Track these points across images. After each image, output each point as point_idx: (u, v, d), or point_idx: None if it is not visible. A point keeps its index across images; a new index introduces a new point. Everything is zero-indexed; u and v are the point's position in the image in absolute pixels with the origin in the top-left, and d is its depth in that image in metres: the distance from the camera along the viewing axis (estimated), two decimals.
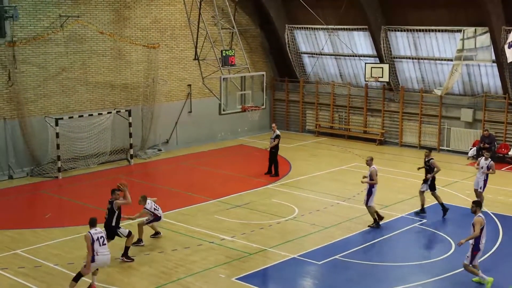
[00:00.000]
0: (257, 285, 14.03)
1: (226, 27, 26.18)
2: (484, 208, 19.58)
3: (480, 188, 19.24)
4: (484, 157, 19.34)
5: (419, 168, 19.65)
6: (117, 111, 25.77)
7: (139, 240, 16.33)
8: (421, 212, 18.87)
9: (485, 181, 19.22)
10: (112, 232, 15.07)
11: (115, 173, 24.32)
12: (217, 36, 25.48)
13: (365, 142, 29.58)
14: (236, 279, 14.33)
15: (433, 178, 18.98)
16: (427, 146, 23.07)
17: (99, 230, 13.53)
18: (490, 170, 19.06)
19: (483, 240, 13.82)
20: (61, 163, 23.64)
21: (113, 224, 15.11)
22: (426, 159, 19.05)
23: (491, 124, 26.58)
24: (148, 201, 16.31)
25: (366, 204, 17.84)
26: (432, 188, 19.00)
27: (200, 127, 29.60)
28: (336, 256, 15.70)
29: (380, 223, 17.79)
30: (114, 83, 26.30)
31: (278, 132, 24.04)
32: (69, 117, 24.24)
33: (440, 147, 28.07)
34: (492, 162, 19.19)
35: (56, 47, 24.24)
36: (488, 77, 26.83)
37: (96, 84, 25.68)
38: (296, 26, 31.41)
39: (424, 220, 18.38)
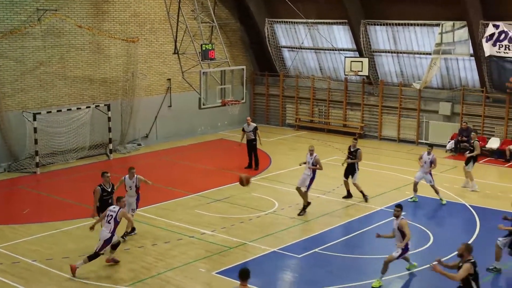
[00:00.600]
0: (237, 279, 13.99)
1: (205, 21, 26.10)
2: (461, 200, 19.82)
3: (431, 182, 19.62)
4: (427, 152, 19.59)
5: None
6: (96, 106, 25.59)
7: (133, 229, 16.53)
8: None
9: (431, 174, 19.66)
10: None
11: (94, 168, 24.12)
12: (197, 30, 25.39)
13: (344, 136, 29.68)
14: (216, 273, 14.34)
15: (351, 165, 19.57)
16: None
17: (115, 210, 14.33)
18: (432, 165, 19.52)
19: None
20: (39, 158, 23.44)
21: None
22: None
23: (469, 117, 26.81)
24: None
25: (307, 190, 18.33)
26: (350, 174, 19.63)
27: (180, 122, 29.50)
28: (316, 250, 15.76)
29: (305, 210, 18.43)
30: (93, 77, 26.10)
31: (254, 124, 24.09)
32: (47, 112, 24.02)
33: (419, 141, 28.26)
34: (434, 156, 19.57)
35: (33, 41, 23.98)
36: (466, 70, 27.04)
37: (74, 78, 25.46)
38: (276, 20, 31.39)
39: (403, 213, 18.45)
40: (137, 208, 16.79)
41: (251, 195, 20.40)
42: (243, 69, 25.55)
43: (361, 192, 19.62)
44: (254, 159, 23.88)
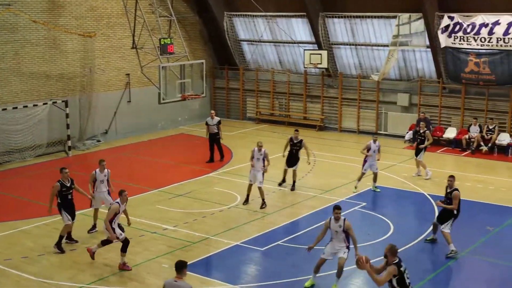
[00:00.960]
0: (201, 274, 14.00)
1: (164, 15, 25.88)
2: (419, 190, 20.12)
3: (377, 169, 20.12)
4: (373, 140, 20.01)
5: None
6: (53, 102, 25.18)
7: (94, 227, 16.52)
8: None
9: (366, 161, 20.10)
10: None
11: (52, 165, 23.74)
12: (155, 24, 25.13)
13: (305, 128, 29.80)
14: None
15: (295, 155, 20.14)
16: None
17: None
18: (380, 153, 20.08)
19: None
20: None
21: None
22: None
23: (426, 108, 27.22)
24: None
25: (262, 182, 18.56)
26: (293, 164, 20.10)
27: (139, 117, 29.24)
28: (279, 242, 15.81)
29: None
30: (49, 73, 25.65)
31: (218, 118, 24.18)
32: (3, 109, 23.54)
33: (378, 131, 28.57)
34: (379, 143, 20.15)
35: None
36: (423, 62, 27.43)
37: (30, 74, 24.99)
38: (234, 13, 31.31)
39: (364, 203, 18.69)
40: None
41: (213, 189, 20.37)
42: (202, 63, 25.46)
43: (295, 181, 20.21)
44: (219, 151, 23.96)
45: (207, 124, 24.06)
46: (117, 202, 14.21)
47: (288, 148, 20.24)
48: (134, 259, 14.72)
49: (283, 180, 20.62)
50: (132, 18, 23.97)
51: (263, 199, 18.53)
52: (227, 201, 19.12)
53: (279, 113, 31.79)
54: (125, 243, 14.22)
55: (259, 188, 18.40)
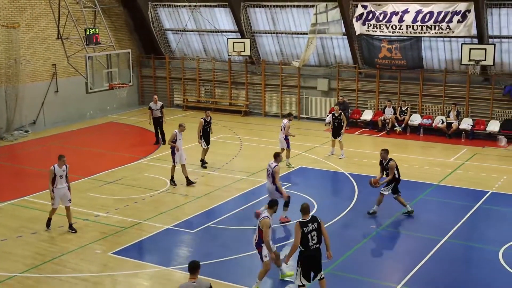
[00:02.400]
0: (133, 258, 13.86)
1: (88, 5, 25.17)
2: (340, 169, 20.51)
3: (287, 146, 20.69)
4: (287, 118, 20.74)
5: None
6: None
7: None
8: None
9: (287, 139, 20.62)
10: None
11: None
12: (80, 15, 24.47)
13: (231, 114, 29.86)
14: (112, 253, 14.08)
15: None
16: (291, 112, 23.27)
17: None
18: (284, 130, 20.62)
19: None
20: None
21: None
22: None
23: (344, 92, 27.73)
24: None
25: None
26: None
27: (68, 106, 28.49)
28: (209, 224, 15.83)
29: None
30: None
31: (161, 103, 24.60)
32: None
33: (300, 115, 28.92)
34: (286, 122, 20.64)
35: None
36: (340, 49, 27.87)
37: None
38: (159, 3, 30.85)
39: (289, 184, 18.88)
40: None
41: (144, 176, 20.14)
42: (128, 52, 24.97)
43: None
44: (161, 135, 24.26)
45: (150, 108, 24.29)
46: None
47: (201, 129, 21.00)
48: (67, 246, 14.42)
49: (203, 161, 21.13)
50: (56, 8, 23.23)
51: (187, 177, 18.85)
52: (157, 187, 18.94)
53: (206, 100, 31.65)
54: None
55: (183, 166, 18.73)
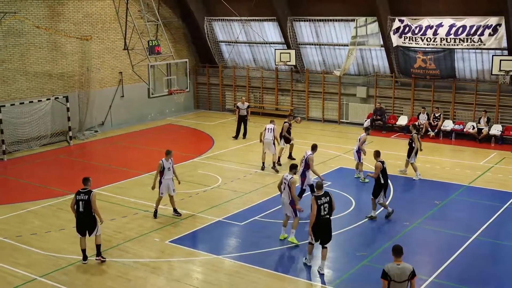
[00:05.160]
0: (188, 246, 14.01)
1: (151, 19, 25.62)
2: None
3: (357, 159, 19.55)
4: (365, 132, 19.60)
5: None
6: (55, 98, 24.84)
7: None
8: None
9: (359, 153, 19.43)
10: None
11: (56, 153, 23.55)
12: (144, 28, 24.90)
13: (277, 118, 29.76)
14: (169, 241, 14.26)
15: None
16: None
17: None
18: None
19: None
20: (5, 146, 22.64)
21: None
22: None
23: (381, 99, 27.39)
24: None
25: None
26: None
27: (131, 110, 29.01)
28: (256, 217, 15.86)
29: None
30: (51, 72, 25.28)
31: (247, 103, 26.14)
32: (11, 104, 23.18)
33: (341, 120, 28.71)
34: (364, 135, 19.49)
35: None
36: (378, 59, 27.55)
37: (35, 73, 24.61)
38: (214, 18, 31.10)
39: (329, 182, 18.78)
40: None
41: (198, 172, 20.32)
42: (186, 61, 25.32)
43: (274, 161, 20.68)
44: (244, 130, 25.43)
45: (238, 107, 25.54)
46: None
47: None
48: (129, 234, 14.68)
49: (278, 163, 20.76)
50: (123, 23, 23.70)
51: (274, 162, 19.93)
52: (210, 183, 19.09)
53: (254, 105, 31.74)
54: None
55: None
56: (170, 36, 30.41)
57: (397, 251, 9.24)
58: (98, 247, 13.11)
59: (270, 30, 29.96)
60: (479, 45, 23.72)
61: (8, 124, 22.96)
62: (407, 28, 25.28)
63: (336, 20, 27.47)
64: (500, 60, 23.17)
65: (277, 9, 28.02)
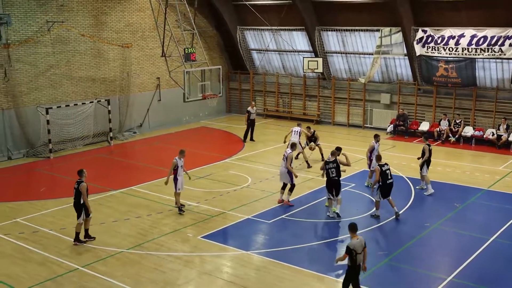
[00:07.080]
0: (219, 242, 14.08)
1: (187, 29, 25.82)
2: (399, 173, 20.06)
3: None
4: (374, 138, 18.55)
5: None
6: (98, 101, 25.24)
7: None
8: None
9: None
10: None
11: (98, 152, 23.92)
12: (180, 37, 25.12)
13: (304, 122, 29.69)
14: (201, 237, 14.35)
15: None
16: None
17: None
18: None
19: None
20: (52, 145, 23.08)
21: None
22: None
23: (404, 105, 27.10)
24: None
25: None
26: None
27: (168, 113, 29.26)
28: (283, 216, 15.85)
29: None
30: (94, 77, 25.71)
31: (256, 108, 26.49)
32: (57, 107, 23.63)
33: (365, 125, 28.50)
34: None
35: (44, 48, 23.51)
36: (401, 67, 27.28)
37: (79, 78, 25.06)
38: (245, 27, 31.22)
39: (353, 184, 18.67)
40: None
41: (228, 173, 20.39)
42: (219, 68, 25.41)
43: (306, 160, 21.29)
44: (251, 134, 25.44)
45: (248, 112, 25.32)
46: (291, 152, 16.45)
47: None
48: (164, 229, 14.82)
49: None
50: (161, 31, 23.96)
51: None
52: (240, 183, 19.15)
53: (283, 110, 31.74)
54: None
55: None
56: (205, 44, 30.62)
57: (354, 228, 10.64)
58: (76, 234, 13.88)
59: (298, 39, 29.94)
60: (500, 55, 23.29)
61: (54, 125, 23.41)
62: (430, 38, 24.98)
63: (361, 30, 27.31)
64: None
65: (305, 19, 27.99)
